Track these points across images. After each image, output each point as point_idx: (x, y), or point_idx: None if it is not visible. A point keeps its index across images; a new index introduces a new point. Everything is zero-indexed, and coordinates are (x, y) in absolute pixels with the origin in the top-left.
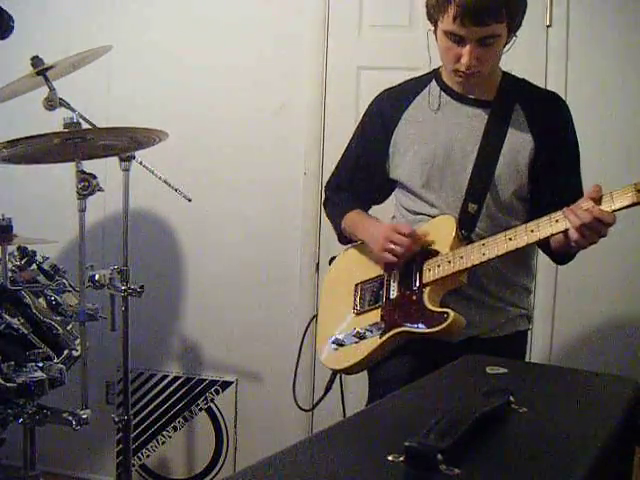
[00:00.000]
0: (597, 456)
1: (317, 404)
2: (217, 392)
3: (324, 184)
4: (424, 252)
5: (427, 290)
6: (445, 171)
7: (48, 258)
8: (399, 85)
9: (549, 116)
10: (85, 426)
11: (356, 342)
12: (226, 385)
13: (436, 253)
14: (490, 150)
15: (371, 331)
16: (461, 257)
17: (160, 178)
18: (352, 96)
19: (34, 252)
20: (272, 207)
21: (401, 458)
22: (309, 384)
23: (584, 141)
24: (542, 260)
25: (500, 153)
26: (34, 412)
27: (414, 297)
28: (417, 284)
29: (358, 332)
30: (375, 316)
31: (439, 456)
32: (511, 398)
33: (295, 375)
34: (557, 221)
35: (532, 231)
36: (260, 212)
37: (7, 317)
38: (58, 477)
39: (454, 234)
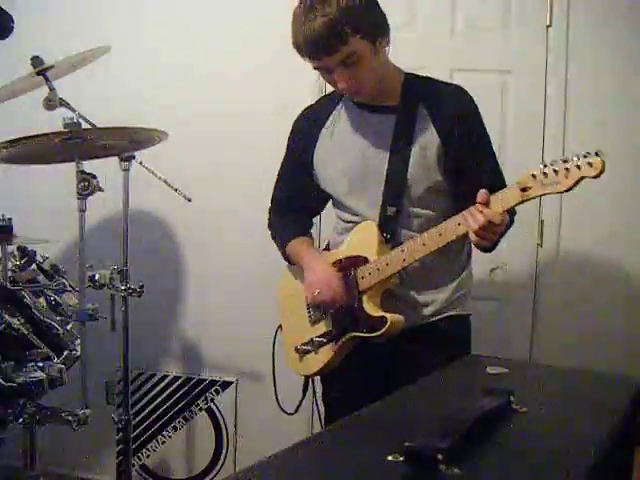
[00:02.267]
0: (597, 456)
1: (299, 407)
2: (217, 392)
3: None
4: (356, 260)
5: (365, 297)
6: (364, 179)
7: (48, 258)
8: (316, 103)
9: (451, 110)
10: (85, 426)
11: (316, 350)
12: (226, 385)
13: (366, 260)
14: (400, 153)
15: (327, 338)
16: (387, 264)
17: (160, 178)
18: None
19: (34, 252)
20: None
21: (401, 458)
22: (291, 388)
23: (584, 141)
24: (542, 259)
25: (410, 154)
26: (34, 412)
27: (355, 304)
28: (355, 292)
29: (315, 341)
30: (327, 325)
31: (439, 456)
32: (511, 398)
33: (274, 381)
34: (459, 225)
35: (440, 235)
36: (260, 212)
37: (7, 317)
38: (58, 477)
39: (377, 239)
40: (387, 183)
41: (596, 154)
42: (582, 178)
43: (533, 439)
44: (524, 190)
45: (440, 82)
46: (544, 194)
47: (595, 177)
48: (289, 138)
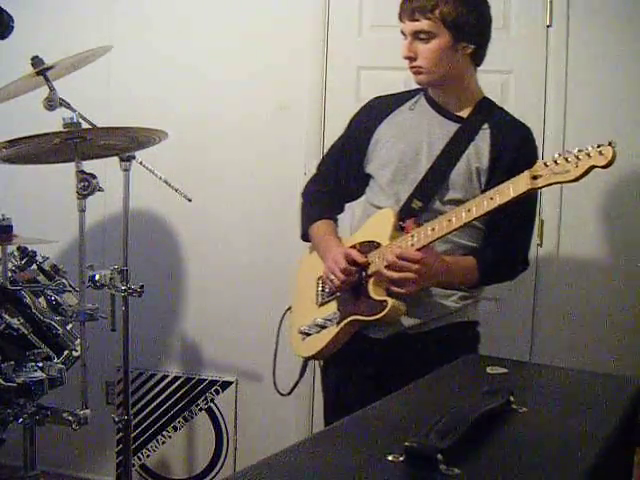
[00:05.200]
0: (597, 456)
1: (293, 389)
2: (217, 392)
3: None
4: (370, 245)
5: (371, 280)
6: (409, 169)
7: (48, 258)
8: (397, 92)
9: (511, 143)
10: (85, 426)
11: (318, 332)
12: (226, 385)
13: (378, 245)
14: (448, 157)
15: (330, 320)
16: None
17: (160, 178)
18: (352, 96)
19: (34, 252)
20: (272, 207)
21: (401, 458)
22: (288, 372)
23: (584, 141)
24: (542, 259)
25: (457, 162)
26: (34, 412)
27: (361, 288)
28: (363, 275)
29: (319, 322)
30: (333, 307)
31: (439, 456)
32: (511, 398)
33: (274, 363)
34: (468, 211)
35: (449, 221)
36: (260, 212)
37: (7, 317)
38: (58, 477)
39: (391, 226)
40: (424, 179)
41: (609, 144)
42: (592, 167)
43: (533, 439)
44: (535, 178)
45: (512, 116)
46: (554, 183)
47: (604, 167)
48: (354, 116)
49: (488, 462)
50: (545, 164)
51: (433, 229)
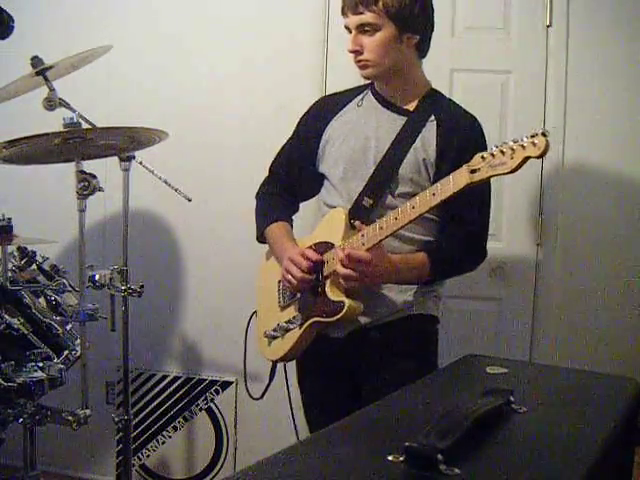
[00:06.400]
0: (597, 456)
1: (264, 392)
2: (217, 392)
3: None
4: (325, 245)
5: (328, 282)
6: (358, 166)
7: (48, 258)
8: (343, 90)
9: (457, 132)
10: (85, 426)
11: (282, 335)
12: (226, 385)
13: (332, 246)
14: (396, 151)
15: (293, 323)
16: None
17: (160, 178)
18: None
19: (34, 252)
20: None
21: (401, 458)
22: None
23: (584, 141)
24: (542, 260)
25: (405, 156)
26: (34, 412)
27: (319, 289)
28: (320, 277)
29: (282, 326)
30: (295, 310)
31: (439, 456)
32: (511, 398)
33: (245, 367)
34: (433, 195)
35: (398, 214)
36: None
37: (7, 317)
38: (58, 477)
39: (343, 226)
40: (373, 175)
41: (542, 134)
42: (527, 158)
43: (533, 439)
44: (473, 172)
45: (459, 106)
46: (492, 176)
47: (539, 157)
48: (303, 115)
49: (488, 462)
50: (482, 157)
51: (381, 227)
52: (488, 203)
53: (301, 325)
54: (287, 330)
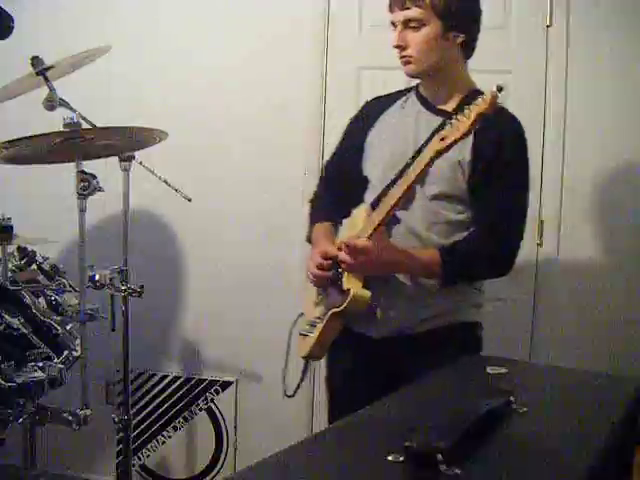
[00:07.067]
0: (597, 456)
1: (296, 390)
2: (217, 392)
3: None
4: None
5: (346, 274)
6: (397, 167)
7: (48, 258)
8: (389, 93)
9: (495, 133)
10: (85, 426)
11: (311, 331)
12: (226, 385)
13: None
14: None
15: (320, 319)
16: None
17: (160, 178)
18: (352, 96)
19: (34, 252)
20: (272, 207)
21: (401, 458)
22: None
23: (584, 140)
24: (542, 260)
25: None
26: (34, 412)
27: (339, 282)
28: (339, 270)
29: (311, 321)
30: (323, 306)
31: (439, 456)
32: (511, 398)
33: (286, 366)
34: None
35: (378, 213)
36: (260, 212)
37: (7, 317)
38: (58, 477)
39: (363, 219)
40: (400, 173)
41: (496, 89)
42: (479, 115)
43: (533, 439)
44: (442, 139)
45: (505, 110)
46: (456, 138)
47: (488, 110)
48: (351, 119)
49: (488, 462)
50: (450, 124)
51: (379, 212)
52: (520, 211)
53: (323, 319)
54: (314, 326)
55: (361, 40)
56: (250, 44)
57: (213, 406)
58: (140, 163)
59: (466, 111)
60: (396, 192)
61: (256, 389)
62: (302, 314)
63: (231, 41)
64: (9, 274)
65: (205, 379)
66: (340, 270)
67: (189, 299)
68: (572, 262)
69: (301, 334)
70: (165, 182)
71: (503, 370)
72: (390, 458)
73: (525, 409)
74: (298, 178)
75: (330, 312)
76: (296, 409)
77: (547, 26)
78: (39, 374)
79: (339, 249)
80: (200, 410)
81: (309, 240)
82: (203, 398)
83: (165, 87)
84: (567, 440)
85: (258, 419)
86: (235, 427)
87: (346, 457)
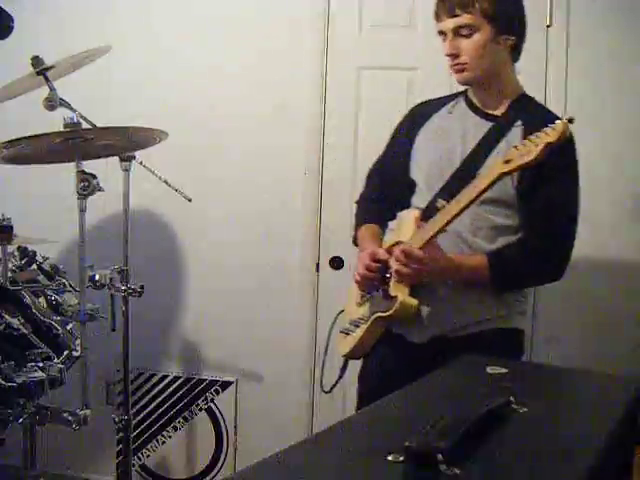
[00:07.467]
0: (597, 456)
1: (334, 387)
2: (217, 392)
3: (324, 184)
4: (396, 245)
5: (393, 279)
6: (444, 172)
7: (48, 258)
8: (434, 99)
9: None
10: (85, 426)
11: (354, 330)
12: (226, 385)
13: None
14: (477, 156)
15: (363, 319)
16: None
17: (160, 178)
18: (352, 96)
19: (34, 252)
20: (272, 207)
21: (401, 458)
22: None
23: (583, 140)
24: None
25: (485, 161)
26: (34, 412)
27: (385, 286)
28: (387, 274)
29: (354, 322)
30: (367, 307)
31: (439, 456)
32: (511, 398)
33: (323, 363)
34: (505, 162)
35: (474, 187)
36: (260, 212)
37: (7, 317)
38: (58, 477)
39: (413, 225)
40: (451, 178)
41: (568, 120)
42: (548, 144)
43: (533, 439)
44: (507, 162)
45: (550, 111)
46: (521, 165)
47: (558, 140)
48: (399, 123)
49: (488, 462)
50: (515, 147)
51: (434, 222)
52: (570, 216)
53: (367, 321)
54: (357, 326)
55: (361, 40)
56: (250, 44)
57: (213, 406)
58: (140, 163)
59: (534, 138)
60: (453, 208)
61: (256, 389)
62: (342, 311)
63: (231, 41)
64: (9, 274)
65: (205, 379)
66: (388, 275)
67: (189, 299)
68: (572, 262)
69: (342, 332)
70: (165, 182)
71: (503, 370)
72: (390, 458)
73: (525, 409)
74: (298, 178)
75: (375, 315)
76: (296, 409)
77: (547, 26)
78: (39, 374)
79: (388, 252)
80: (200, 410)
81: (355, 241)
82: (203, 398)
83: (165, 87)
84: (567, 440)
85: (258, 419)
86: (235, 427)
87: (346, 457)
